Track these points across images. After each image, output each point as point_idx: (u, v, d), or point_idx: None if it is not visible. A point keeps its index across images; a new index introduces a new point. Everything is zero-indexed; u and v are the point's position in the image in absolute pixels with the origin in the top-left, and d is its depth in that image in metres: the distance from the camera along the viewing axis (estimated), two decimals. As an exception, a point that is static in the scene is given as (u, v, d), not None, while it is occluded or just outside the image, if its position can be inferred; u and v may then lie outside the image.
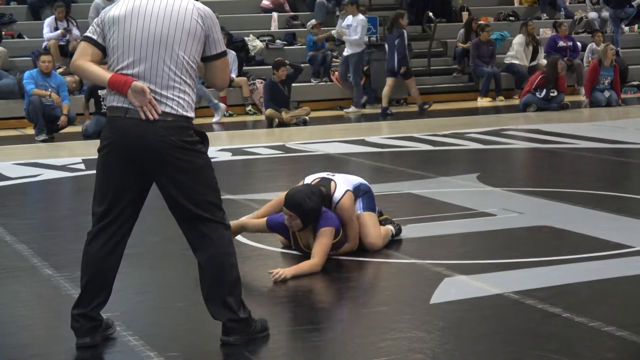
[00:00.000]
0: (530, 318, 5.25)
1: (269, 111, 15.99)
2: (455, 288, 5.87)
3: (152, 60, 4.65)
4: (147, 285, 6.27)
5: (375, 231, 6.80)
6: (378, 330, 5.15)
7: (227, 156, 12.20)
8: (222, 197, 4.85)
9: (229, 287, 4.79)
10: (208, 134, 4.90)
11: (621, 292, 5.78)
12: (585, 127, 14.69)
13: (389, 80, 17.45)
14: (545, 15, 22.92)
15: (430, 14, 20.80)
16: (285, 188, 7.19)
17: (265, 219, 6.65)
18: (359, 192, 6.85)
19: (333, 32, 19.03)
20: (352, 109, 17.81)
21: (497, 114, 17.36)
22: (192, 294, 5.41)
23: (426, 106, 17.41)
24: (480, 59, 19.31)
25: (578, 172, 11.02)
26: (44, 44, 17.69)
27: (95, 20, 4.84)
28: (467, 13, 21.74)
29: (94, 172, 4.90)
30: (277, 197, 6.94)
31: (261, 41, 19.60)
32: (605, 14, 22.75)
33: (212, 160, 4.87)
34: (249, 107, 17.92)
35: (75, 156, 12.42)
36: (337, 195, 6.64)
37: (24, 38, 18.95)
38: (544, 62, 19.19)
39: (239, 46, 18.75)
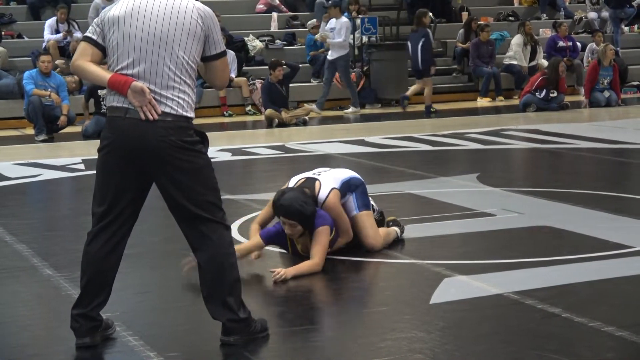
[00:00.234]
0: (530, 318, 5.25)
1: (269, 111, 15.99)
2: (455, 288, 5.87)
3: (152, 60, 4.65)
4: (147, 286, 6.27)
5: (373, 232, 6.78)
6: (378, 330, 5.16)
7: (227, 156, 12.20)
8: (222, 197, 4.85)
9: (229, 288, 4.79)
10: (208, 134, 4.90)
11: (621, 292, 5.78)
12: (584, 127, 14.69)
13: (418, 82, 17.42)
14: (545, 15, 22.92)
15: (430, 14, 20.80)
16: (285, 188, 7.17)
17: (258, 237, 6.52)
18: (349, 186, 6.78)
19: (317, 36, 18.99)
20: (351, 109, 17.80)
21: (496, 114, 17.36)
22: (192, 294, 5.41)
23: (432, 110, 17.36)
24: (480, 59, 19.32)
25: (578, 172, 11.02)
26: (44, 44, 17.69)
27: (95, 20, 4.84)
28: (466, 13, 21.75)
29: (94, 172, 4.90)
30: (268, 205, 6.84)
31: (261, 41, 19.61)
32: (605, 14, 22.76)
33: (212, 160, 4.87)
34: (249, 107, 17.93)
35: (75, 156, 12.42)
36: (322, 194, 6.58)
37: (23, 38, 18.96)
38: (544, 62, 19.21)
39: (239, 46, 18.76)
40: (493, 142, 13.04)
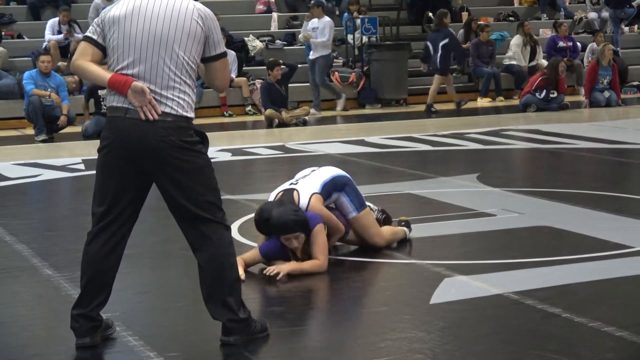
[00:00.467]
0: (530, 318, 5.25)
1: (269, 111, 15.99)
2: (455, 288, 5.87)
3: (152, 61, 4.65)
4: (147, 286, 6.27)
5: (376, 230, 6.78)
6: (378, 330, 5.15)
7: (227, 156, 12.21)
8: (222, 197, 4.85)
9: (229, 288, 4.79)
10: (208, 134, 4.90)
11: (621, 292, 5.78)
12: (584, 127, 14.69)
13: (444, 79, 17.68)
14: (545, 15, 22.93)
15: (430, 14, 20.81)
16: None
17: (256, 251, 6.42)
18: (335, 186, 6.68)
19: (300, 36, 18.97)
20: (339, 107, 17.66)
21: (497, 114, 17.36)
22: (192, 294, 5.41)
23: (433, 109, 17.42)
24: (480, 59, 19.32)
25: (578, 172, 11.02)
26: (44, 44, 17.69)
27: (95, 20, 4.84)
28: (466, 13, 21.76)
29: (94, 172, 4.90)
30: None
31: (261, 41, 19.61)
32: (605, 14, 22.75)
33: (212, 160, 4.86)
34: (249, 108, 17.93)
35: (75, 156, 12.42)
36: (303, 202, 6.46)
37: (23, 38, 18.97)
38: (544, 62, 19.21)
39: (239, 46, 18.76)
40: (493, 142, 13.04)
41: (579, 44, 20.61)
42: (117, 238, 4.81)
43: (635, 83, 20.54)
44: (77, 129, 15.17)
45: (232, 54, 17.38)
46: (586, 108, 17.44)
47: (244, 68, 18.53)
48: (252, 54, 19.27)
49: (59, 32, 17.96)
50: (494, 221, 7.82)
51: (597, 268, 6.27)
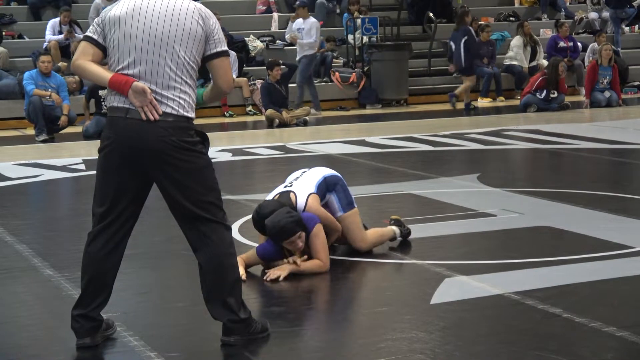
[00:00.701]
0: (530, 318, 5.25)
1: (269, 111, 15.99)
2: (455, 288, 5.86)
3: (153, 61, 4.65)
4: (147, 286, 6.27)
5: (360, 234, 6.69)
6: (378, 330, 5.15)
7: (228, 156, 12.21)
8: (222, 197, 4.85)
9: (229, 288, 4.79)
10: (208, 134, 4.90)
11: (621, 293, 5.78)
12: (585, 127, 14.69)
13: (464, 78, 17.81)
14: (545, 15, 22.92)
15: (431, 14, 20.82)
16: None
17: (254, 252, 6.40)
18: (327, 186, 6.65)
19: (287, 37, 18.94)
20: (313, 111, 17.27)
21: (497, 114, 17.36)
22: (193, 294, 5.41)
23: (471, 107, 17.56)
24: (480, 59, 19.30)
25: (578, 172, 11.02)
26: (45, 44, 17.69)
27: (95, 20, 4.83)
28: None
29: (95, 172, 4.90)
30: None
31: (261, 41, 19.61)
32: (606, 14, 22.75)
33: (212, 160, 4.87)
34: (249, 108, 17.93)
35: (76, 156, 12.42)
36: (301, 203, 6.44)
37: (24, 38, 18.96)
38: (544, 62, 19.20)
39: (240, 46, 18.77)
40: (494, 142, 13.04)
41: (579, 44, 20.61)
42: (118, 238, 4.81)
43: (636, 83, 20.54)
44: (78, 129, 15.17)
45: (232, 54, 17.36)
46: (587, 108, 17.44)
47: (244, 68, 18.53)
48: (253, 54, 19.27)
49: (60, 33, 17.96)
50: (495, 221, 7.82)
51: (597, 268, 6.27)
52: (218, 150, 12.29)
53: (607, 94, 17.57)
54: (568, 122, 15.34)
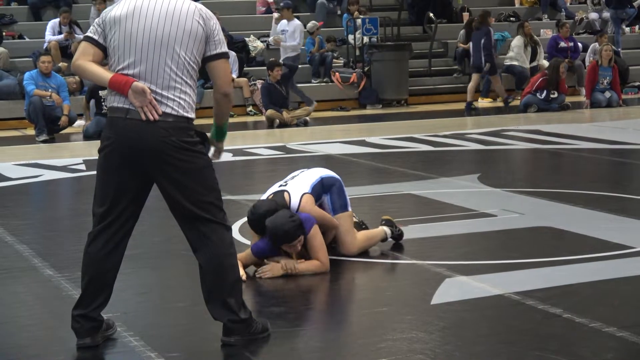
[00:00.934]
0: (530, 319, 5.25)
1: (270, 112, 16.00)
2: (456, 289, 5.86)
3: (153, 61, 4.65)
4: (147, 286, 6.27)
5: (349, 238, 6.64)
6: (379, 330, 5.15)
7: (228, 157, 12.19)
8: (222, 197, 4.85)
9: (230, 288, 4.79)
10: (208, 134, 4.90)
11: (622, 293, 5.78)
12: (585, 127, 14.69)
13: (475, 76, 18.08)
14: (546, 16, 22.92)
15: (431, 14, 20.82)
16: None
17: (249, 251, 6.39)
18: (322, 187, 6.63)
19: (270, 39, 18.87)
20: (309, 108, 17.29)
21: (497, 114, 17.36)
22: (193, 294, 5.41)
23: (510, 100, 17.80)
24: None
25: (578, 172, 11.02)
26: (45, 44, 17.69)
27: (96, 20, 4.84)
28: (467, 14, 21.74)
29: (95, 172, 4.90)
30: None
31: (262, 42, 19.60)
32: (606, 14, 22.74)
33: (212, 160, 4.87)
34: (250, 108, 17.92)
35: (76, 157, 12.42)
36: (294, 203, 6.42)
37: (24, 39, 18.96)
38: (545, 62, 19.20)
39: (240, 47, 18.76)
40: (494, 142, 13.04)
41: (580, 44, 20.60)
42: (118, 238, 4.81)
43: (636, 83, 20.53)
44: (78, 129, 15.17)
45: (232, 54, 17.35)
46: (587, 108, 17.43)
47: (244, 68, 18.52)
48: (253, 55, 19.26)
49: (60, 33, 17.96)
50: (495, 221, 7.82)
51: (597, 268, 6.27)
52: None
53: (607, 94, 17.57)
54: (568, 123, 15.34)
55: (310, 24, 19.57)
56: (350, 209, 6.75)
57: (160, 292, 6.14)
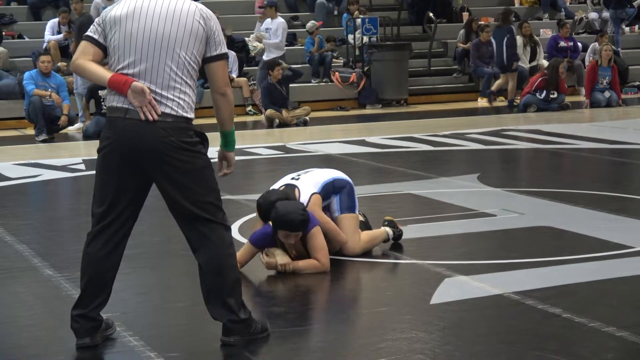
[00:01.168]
0: (530, 318, 5.25)
1: (269, 111, 15.99)
2: (455, 288, 5.86)
3: (153, 60, 4.65)
4: (147, 286, 6.27)
5: (353, 237, 6.65)
6: (378, 330, 5.15)
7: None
8: (222, 197, 4.85)
9: (229, 288, 4.79)
10: (208, 134, 4.89)
11: (621, 293, 5.78)
12: (585, 127, 14.69)
13: (503, 76, 18.36)
14: (547, 15, 22.92)
15: (431, 14, 20.81)
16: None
17: (248, 244, 6.39)
18: (333, 188, 6.64)
19: (252, 36, 18.83)
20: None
21: (497, 114, 17.36)
22: (193, 294, 5.41)
23: (515, 103, 17.85)
24: (480, 59, 19.31)
25: (578, 172, 11.02)
26: (44, 44, 17.70)
27: (96, 19, 4.83)
28: (467, 13, 21.76)
29: (94, 172, 4.90)
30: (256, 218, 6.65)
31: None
32: (606, 14, 22.74)
33: (212, 160, 4.86)
34: (249, 108, 17.92)
35: (76, 156, 12.42)
36: (302, 201, 6.41)
37: (24, 38, 18.96)
38: (545, 62, 19.21)
39: (239, 47, 18.75)
40: (493, 142, 13.04)
41: (579, 44, 20.60)
42: (117, 238, 4.81)
43: (636, 83, 20.53)
44: (77, 131, 15.19)
45: (232, 54, 17.35)
46: (587, 108, 17.44)
47: (244, 68, 18.52)
48: (253, 54, 19.25)
49: (59, 33, 17.96)
50: (494, 221, 7.82)
51: (597, 268, 6.27)
52: (218, 151, 12.26)
53: (607, 94, 17.57)
54: (568, 122, 15.34)
55: (309, 24, 19.57)
56: (357, 212, 6.77)
57: (160, 292, 6.14)
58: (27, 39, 18.86)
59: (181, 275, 6.35)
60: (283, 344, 5.00)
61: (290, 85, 16.73)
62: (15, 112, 16.22)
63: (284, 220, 6.15)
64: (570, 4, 23.89)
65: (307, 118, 16.31)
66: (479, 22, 20.26)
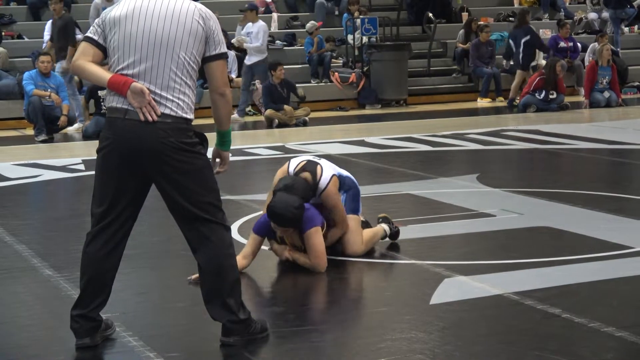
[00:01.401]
0: (530, 318, 5.25)
1: (269, 111, 16.00)
2: (455, 289, 5.87)
3: (153, 61, 4.65)
4: (146, 286, 6.27)
5: (356, 238, 6.66)
6: (378, 330, 5.16)
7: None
8: (222, 197, 4.85)
9: (229, 289, 4.79)
10: (208, 134, 4.90)
11: (621, 293, 5.78)
12: (584, 127, 14.70)
13: (525, 74, 18.50)
14: (546, 15, 22.92)
15: (430, 14, 20.82)
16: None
17: (252, 234, 6.40)
18: (343, 184, 6.66)
19: (233, 40, 18.75)
20: (235, 115, 16.61)
21: (496, 114, 17.37)
22: (192, 294, 5.41)
23: (514, 102, 17.91)
24: (480, 59, 19.32)
25: (577, 172, 11.03)
26: (44, 44, 17.68)
27: (96, 20, 4.84)
28: (466, 14, 21.76)
29: (94, 172, 4.90)
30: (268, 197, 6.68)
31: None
32: (606, 14, 22.74)
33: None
34: (249, 108, 17.91)
35: (75, 157, 12.42)
36: (323, 181, 6.44)
37: (23, 39, 18.96)
38: (544, 62, 19.21)
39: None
40: (493, 142, 13.04)
41: (579, 44, 20.60)
42: (117, 239, 4.81)
43: (636, 83, 20.54)
44: (76, 131, 15.21)
45: (231, 54, 17.35)
46: (586, 108, 17.44)
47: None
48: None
49: (59, 33, 17.94)
50: (494, 221, 7.83)
51: (597, 268, 6.28)
52: (213, 149, 12.24)
53: (606, 94, 17.58)
54: (567, 123, 15.35)
55: (309, 24, 19.58)
56: (360, 214, 6.77)
57: (160, 292, 6.14)
58: (26, 39, 18.86)
59: (181, 275, 6.35)
60: (283, 344, 5.00)
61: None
62: (14, 112, 16.22)
63: (273, 213, 6.20)
64: (569, 4, 23.89)
65: (306, 118, 16.31)
66: (479, 22, 20.27)
